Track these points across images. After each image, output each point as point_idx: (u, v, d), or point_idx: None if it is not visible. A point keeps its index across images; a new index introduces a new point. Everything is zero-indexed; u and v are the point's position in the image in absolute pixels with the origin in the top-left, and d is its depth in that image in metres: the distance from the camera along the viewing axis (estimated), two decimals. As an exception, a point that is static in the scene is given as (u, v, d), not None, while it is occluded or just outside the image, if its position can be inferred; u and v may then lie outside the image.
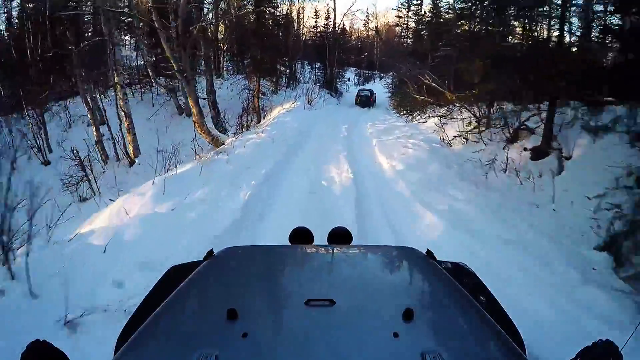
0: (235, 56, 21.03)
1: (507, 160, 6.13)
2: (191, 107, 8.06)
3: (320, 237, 2.04)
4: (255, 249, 1.78)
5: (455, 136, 8.31)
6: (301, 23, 31.18)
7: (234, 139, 8.67)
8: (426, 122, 11.66)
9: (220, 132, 11.28)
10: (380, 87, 27.35)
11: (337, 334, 0.91)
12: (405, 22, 25.95)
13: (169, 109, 17.00)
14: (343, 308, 1.01)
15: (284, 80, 21.61)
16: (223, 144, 8.67)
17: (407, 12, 25.38)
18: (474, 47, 8.47)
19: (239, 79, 17.80)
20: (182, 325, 1.02)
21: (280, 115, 13.24)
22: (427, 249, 1.45)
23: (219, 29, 22.02)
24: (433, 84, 10.17)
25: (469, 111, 8.86)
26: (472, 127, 8.56)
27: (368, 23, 37.92)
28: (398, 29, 29.24)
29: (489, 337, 0.99)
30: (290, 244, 1.95)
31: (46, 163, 12.55)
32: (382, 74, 43.40)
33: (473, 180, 5.82)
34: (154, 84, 16.47)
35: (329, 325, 0.96)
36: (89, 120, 12.64)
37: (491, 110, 8.40)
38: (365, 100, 21.80)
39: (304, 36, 31.77)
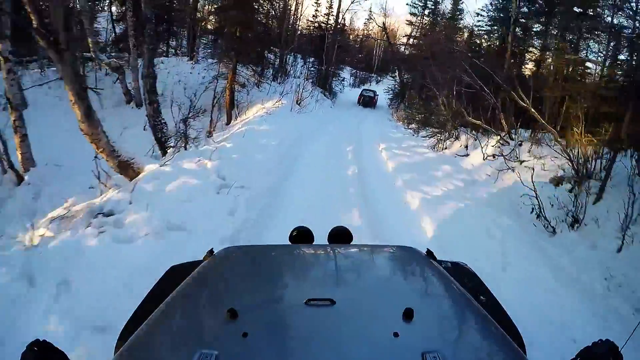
0: (215, 34, 16.92)
1: None
2: (71, 104, 4.07)
3: (321, 237, 1.94)
4: (255, 249, 1.70)
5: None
6: (299, 9, 27.11)
7: (156, 167, 4.73)
8: (468, 155, 7.96)
9: (159, 139, 7.29)
10: (379, 90, 25.72)
11: (337, 333, 0.89)
12: (420, 22, 22.41)
13: (115, 96, 12.77)
14: (343, 308, 0.98)
15: (270, 72, 17.66)
16: (138, 173, 4.75)
17: (424, 9, 21.85)
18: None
19: (212, 64, 13.77)
20: (182, 325, 1.01)
21: (255, 119, 9.32)
22: (427, 249, 1.42)
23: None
24: (526, 106, 6.44)
25: (568, 159, 5.19)
26: (569, 189, 4.98)
27: (371, 19, 34.15)
28: (408, 29, 25.69)
29: (489, 337, 0.96)
30: (290, 243, 1.87)
31: None
32: (378, 77, 40.31)
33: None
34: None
35: (329, 325, 0.93)
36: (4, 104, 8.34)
37: (612, 166, 4.80)
38: (368, 101, 22.65)
39: (300, 25, 27.70)
